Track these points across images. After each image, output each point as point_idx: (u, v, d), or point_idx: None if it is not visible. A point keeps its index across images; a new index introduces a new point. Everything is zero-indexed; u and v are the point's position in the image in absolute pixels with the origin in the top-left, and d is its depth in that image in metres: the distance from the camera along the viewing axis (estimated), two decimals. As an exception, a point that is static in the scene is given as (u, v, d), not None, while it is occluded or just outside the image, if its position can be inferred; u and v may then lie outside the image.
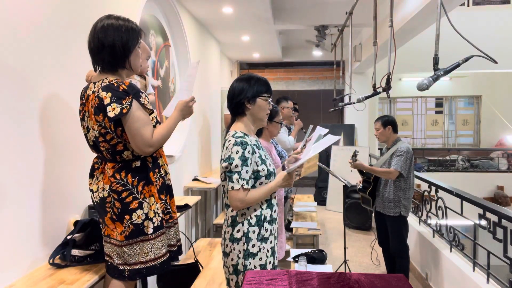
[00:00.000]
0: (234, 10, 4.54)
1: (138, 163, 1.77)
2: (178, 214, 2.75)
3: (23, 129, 1.85)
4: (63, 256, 1.91)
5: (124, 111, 1.64)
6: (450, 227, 3.54)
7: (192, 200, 3.32)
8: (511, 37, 7.10)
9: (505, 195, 8.87)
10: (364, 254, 4.85)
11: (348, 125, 8.13)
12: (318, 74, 8.99)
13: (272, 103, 2.03)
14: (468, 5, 7.57)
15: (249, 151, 1.78)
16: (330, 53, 6.42)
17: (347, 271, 3.91)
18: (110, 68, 1.74)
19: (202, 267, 2.91)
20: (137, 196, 1.74)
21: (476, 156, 9.97)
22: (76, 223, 2.03)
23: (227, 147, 1.80)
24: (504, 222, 2.66)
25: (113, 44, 1.69)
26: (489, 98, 10.55)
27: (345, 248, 3.92)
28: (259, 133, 2.75)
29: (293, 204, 5.18)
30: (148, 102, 1.76)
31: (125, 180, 1.73)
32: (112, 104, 1.63)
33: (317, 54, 7.63)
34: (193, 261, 2.92)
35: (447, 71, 1.71)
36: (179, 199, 3.35)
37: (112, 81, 1.68)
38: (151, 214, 1.76)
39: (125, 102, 1.65)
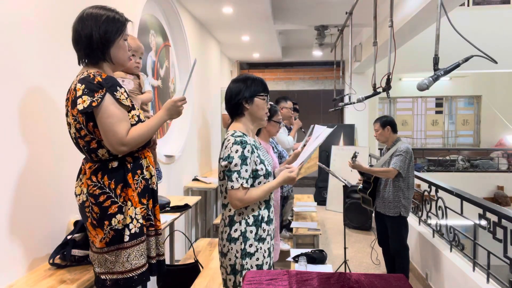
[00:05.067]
0: (234, 10, 4.54)
1: (115, 164, 1.63)
2: (171, 218, 2.69)
3: (22, 129, 1.84)
4: (63, 256, 1.90)
5: (94, 104, 1.52)
6: (450, 227, 3.54)
7: (192, 200, 3.31)
8: (511, 37, 7.09)
9: (505, 195, 8.86)
10: (364, 254, 4.85)
11: (348, 125, 8.13)
12: (318, 74, 8.99)
13: (271, 102, 2.03)
14: (468, 5, 7.57)
15: (248, 150, 1.78)
16: (330, 53, 6.41)
17: (347, 271, 3.91)
18: (90, 60, 1.63)
19: (202, 267, 2.91)
20: (116, 200, 1.61)
21: (476, 156, 9.96)
22: (76, 223, 2.03)
23: (226, 146, 1.80)
24: (504, 222, 2.66)
25: (90, 35, 1.58)
26: (489, 98, 10.54)
27: (345, 248, 3.92)
28: (257, 133, 2.75)
29: (293, 204, 5.18)
30: (127, 98, 1.64)
31: (101, 182, 1.60)
32: (83, 97, 1.53)
33: (317, 54, 7.63)
34: (193, 261, 2.92)
35: (447, 71, 1.71)
36: (179, 199, 3.34)
37: (90, 73, 1.58)
38: (128, 220, 1.62)
39: (97, 95, 1.53)
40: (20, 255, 1.82)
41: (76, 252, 1.90)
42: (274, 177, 1.96)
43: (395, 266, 3.62)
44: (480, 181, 8.97)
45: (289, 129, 4.47)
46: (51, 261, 1.88)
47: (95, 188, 1.60)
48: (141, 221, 1.65)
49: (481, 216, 2.88)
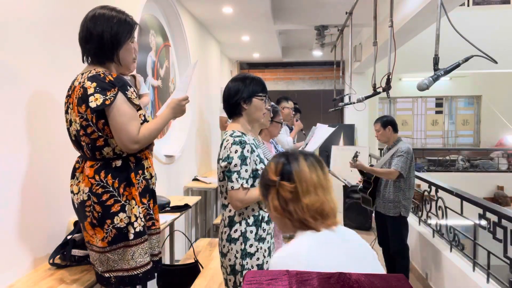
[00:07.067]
0: (234, 10, 4.54)
1: (119, 163, 1.65)
2: (171, 218, 2.69)
3: (22, 129, 1.84)
4: (63, 256, 1.90)
5: (107, 102, 1.54)
6: (450, 227, 3.53)
7: (192, 200, 3.31)
8: (511, 37, 7.09)
9: (505, 195, 8.85)
10: (364, 254, 4.84)
11: (348, 125, 8.13)
12: (318, 74, 8.98)
13: (272, 103, 2.03)
14: (468, 5, 7.57)
15: (248, 150, 1.77)
16: (330, 53, 6.41)
17: (347, 271, 3.91)
18: (97, 60, 1.65)
19: (202, 267, 2.91)
20: (119, 198, 1.62)
21: (476, 156, 9.95)
22: (76, 223, 2.03)
23: (225, 147, 1.80)
24: (504, 222, 2.66)
25: (102, 35, 1.60)
26: (489, 98, 10.53)
27: (345, 248, 3.91)
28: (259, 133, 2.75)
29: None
30: (136, 97, 1.67)
31: (105, 181, 1.61)
32: (95, 95, 1.54)
33: (317, 54, 7.62)
34: (193, 261, 2.92)
35: (447, 71, 1.71)
36: (179, 199, 3.34)
37: (99, 72, 1.60)
38: (133, 218, 1.64)
39: (110, 94, 1.55)
40: (20, 255, 1.82)
41: (76, 252, 1.90)
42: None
43: (395, 266, 3.62)
44: (480, 181, 8.96)
45: (291, 129, 4.47)
46: (51, 261, 1.88)
47: (98, 187, 1.60)
48: (143, 220, 1.68)
49: (481, 216, 2.88)
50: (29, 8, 1.90)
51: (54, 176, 2.04)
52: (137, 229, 1.64)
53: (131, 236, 1.63)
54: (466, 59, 1.68)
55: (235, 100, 1.86)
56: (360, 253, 1.21)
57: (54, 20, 2.08)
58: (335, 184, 6.93)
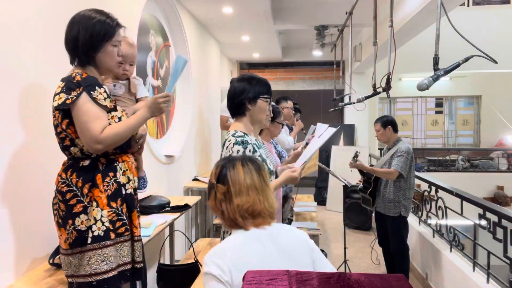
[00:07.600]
0: (234, 10, 4.54)
1: (86, 162, 1.62)
2: (171, 218, 2.68)
3: (22, 128, 1.84)
4: (63, 256, 1.90)
5: (68, 101, 1.52)
6: (450, 227, 3.53)
7: (192, 200, 3.31)
8: (511, 37, 7.09)
9: (505, 195, 8.85)
10: (364, 254, 4.85)
11: (348, 125, 8.13)
12: (318, 74, 8.98)
13: (273, 103, 2.03)
14: (468, 5, 7.57)
15: (249, 150, 1.78)
16: (330, 53, 6.42)
17: (347, 271, 3.91)
18: (77, 62, 1.63)
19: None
20: (82, 199, 1.58)
21: (476, 156, 9.95)
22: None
23: (227, 147, 1.80)
24: (504, 222, 2.66)
25: (76, 37, 1.58)
26: (489, 98, 10.53)
27: (345, 248, 3.92)
28: (259, 133, 2.75)
29: (293, 204, 5.17)
30: (105, 98, 1.61)
31: (69, 180, 1.59)
32: (60, 94, 1.54)
33: (317, 54, 7.62)
34: (193, 261, 2.92)
35: (447, 71, 1.71)
36: (179, 199, 3.35)
37: (74, 72, 1.59)
38: (91, 221, 1.57)
39: (73, 93, 1.54)
40: (20, 255, 1.81)
41: (76, 252, 1.90)
42: (277, 176, 1.96)
43: (395, 266, 3.62)
44: (480, 181, 8.95)
45: (291, 129, 4.47)
46: (51, 261, 1.88)
47: (63, 185, 1.59)
48: (107, 224, 1.60)
49: (481, 216, 2.88)
50: (30, 7, 1.90)
51: (54, 175, 2.04)
52: (96, 233, 1.58)
53: (89, 240, 1.57)
54: (466, 59, 1.68)
55: (240, 99, 1.86)
56: (291, 249, 1.32)
57: (55, 20, 2.08)
58: (335, 184, 6.94)
